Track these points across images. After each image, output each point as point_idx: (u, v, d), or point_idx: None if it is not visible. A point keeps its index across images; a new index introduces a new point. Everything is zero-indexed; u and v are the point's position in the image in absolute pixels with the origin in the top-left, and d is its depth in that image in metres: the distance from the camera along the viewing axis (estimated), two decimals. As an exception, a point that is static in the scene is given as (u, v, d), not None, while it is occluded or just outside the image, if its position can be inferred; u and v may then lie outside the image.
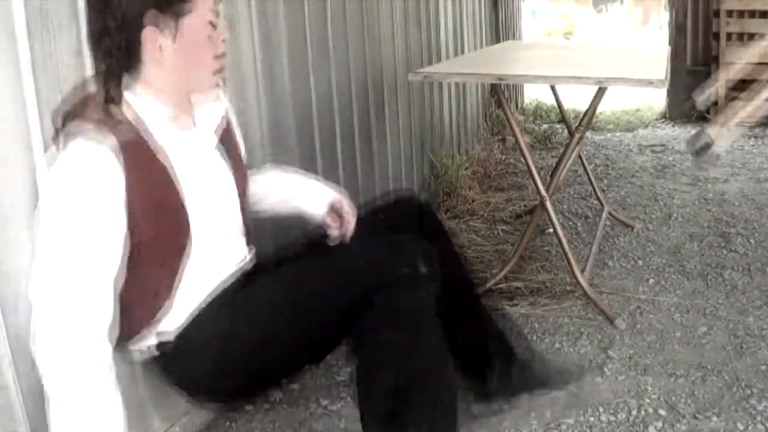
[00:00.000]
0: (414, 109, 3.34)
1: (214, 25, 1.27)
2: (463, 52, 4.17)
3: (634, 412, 1.79)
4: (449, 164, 3.62)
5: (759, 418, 1.76)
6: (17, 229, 1.22)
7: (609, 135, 5.19)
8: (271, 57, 2.05)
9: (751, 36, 5.24)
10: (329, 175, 2.42)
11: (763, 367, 1.98)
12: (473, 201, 3.46)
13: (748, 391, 1.87)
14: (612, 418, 1.77)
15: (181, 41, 1.23)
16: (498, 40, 5.20)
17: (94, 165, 1.16)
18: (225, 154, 1.40)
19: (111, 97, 1.20)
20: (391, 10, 3.02)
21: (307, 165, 2.28)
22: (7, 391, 1.22)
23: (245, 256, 1.48)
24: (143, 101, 1.24)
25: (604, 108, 5.79)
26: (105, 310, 1.21)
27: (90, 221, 1.17)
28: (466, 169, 3.79)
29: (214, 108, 1.39)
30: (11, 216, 1.21)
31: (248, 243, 1.51)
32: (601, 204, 3.23)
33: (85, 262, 1.18)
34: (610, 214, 3.19)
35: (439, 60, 3.66)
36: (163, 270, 1.30)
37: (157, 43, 1.21)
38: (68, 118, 1.18)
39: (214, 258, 1.37)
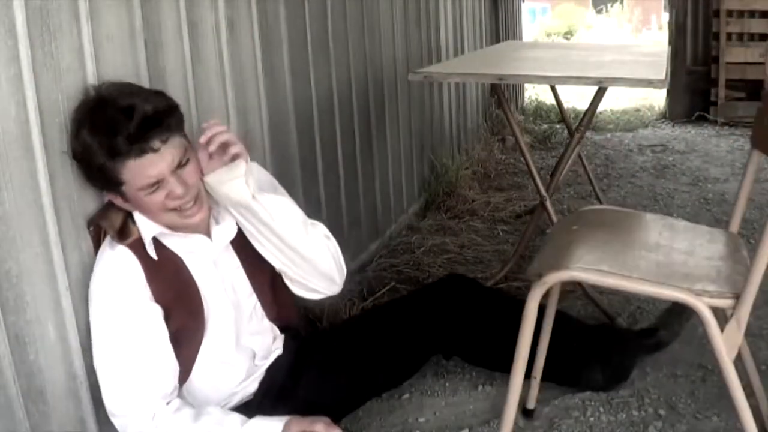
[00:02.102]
0: (414, 109, 3.34)
1: (152, 189, 1.34)
2: (463, 52, 4.17)
3: (634, 412, 1.79)
4: (449, 164, 3.62)
5: (759, 417, 1.76)
6: (17, 228, 1.22)
7: (609, 135, 5.18)
8: (271, 57, 2.05)
9: (752, 36, 5.25)
10: (329, 175, 2.43)
11: (763, 367, 1.98)
12: (473, 201, 3.46)
13: (748, 391, 1.86)
14: (612, 418, 1.77)
15: (130, 203, 1.37)
16: (498, 40, 5.20)
17: (120, 264, 1.37)
18: (239, 256, 1.54)
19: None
20: (391, 9, 3.02)
21: (307, 165, 2.28)
22: (7, 391, 1.22)
23: (264, 346, 1.61)
24: (140, 219, 1.40)
25: (604, 108, 5.79)
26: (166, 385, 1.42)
27: (131, 314, 1.37)
28: (466, 169, 3.79)
29: (228, 225, 1.51)
30: (11, 216, 1.20)
31: (282, 330, 1.65)
32: (601, 204, 3.23)
33: (138, 344, 1.37)
34: (610, 214, 3.19)
35: (439, 60, 3.66)
36: (182, 351, 1.45)
37: (116, 200, 1.38)
38: (98, 221, 1.39)
39: (228, 343, 1.52)
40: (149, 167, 1.31)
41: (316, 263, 1.53)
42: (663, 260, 1.46)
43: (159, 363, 1.41)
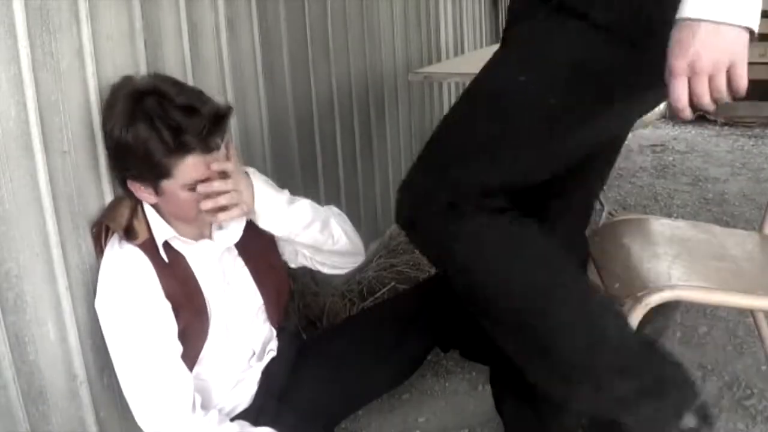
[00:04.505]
0: (414, 109, 3.33)
1: (193, 190, 1.35)
2: (463, 52, 4.17)
3: (634, 412, 1.79)
4: (449, 164, 3.61)
5: (759, 418, 1.76)
6: (17, 228, 1.22)
7: (609, 135, 5.18)
8: (271, 57, 2.05)
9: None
10: (329, 175, 2.43)
11: (763, 367, 1.98)
12: (473, 201, 3.45)
13: (748, 391, 1.87)
14: (612, 418, 1.77)
15: (162, 197, 1.36)
16: (498, 40, 5.19)
17: (132, 262, 1.36)
18: (245, 260, 1.54)
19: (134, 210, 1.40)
20: (391, 10, 3.02)
21: (307, 165, 2.28)
22: (7, 391, 1.22)
23: (262, 347, 1.60)
24: (152, 216, 1.40)
25: (604, 108, 5.78)
26: (186, 384, 1.40)
27: (149, 309, 1.36)
28: (466, 169, 3.78)
29: (232, 230, 1.51)
30: (11, 216, 1.20)
31: (280, 332, 1.65)
32: (601, 204, 3.23)
33: (154, 345, 1.37)
34: (610, 213, 3.19)
35: (439, 60, 3.66)
36: (186, 352, 1.43)
37: (141, 192, 1.36)
38: (102, 221, 1.38)
39: (228, 345, 1.52)
40: (209, 164, 1.34)
41: (335, 250, 1.59)
42: (736, 269, 1.41)
43: (179, 359, 1.41)
